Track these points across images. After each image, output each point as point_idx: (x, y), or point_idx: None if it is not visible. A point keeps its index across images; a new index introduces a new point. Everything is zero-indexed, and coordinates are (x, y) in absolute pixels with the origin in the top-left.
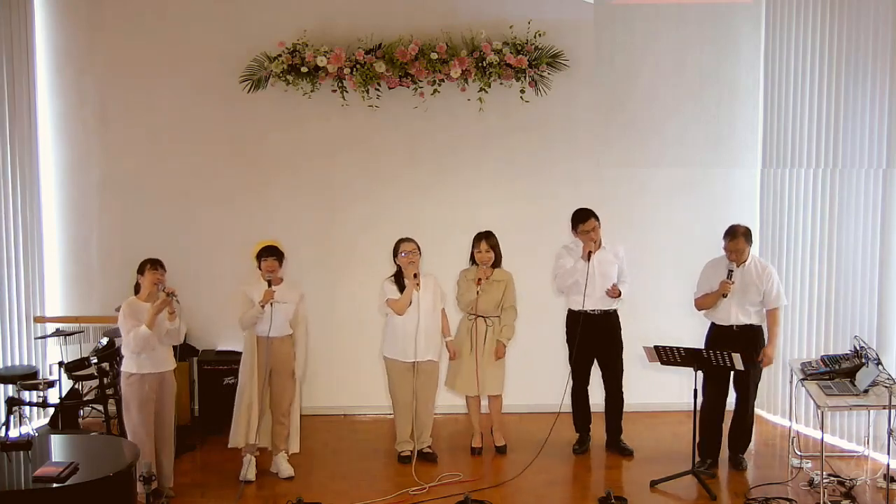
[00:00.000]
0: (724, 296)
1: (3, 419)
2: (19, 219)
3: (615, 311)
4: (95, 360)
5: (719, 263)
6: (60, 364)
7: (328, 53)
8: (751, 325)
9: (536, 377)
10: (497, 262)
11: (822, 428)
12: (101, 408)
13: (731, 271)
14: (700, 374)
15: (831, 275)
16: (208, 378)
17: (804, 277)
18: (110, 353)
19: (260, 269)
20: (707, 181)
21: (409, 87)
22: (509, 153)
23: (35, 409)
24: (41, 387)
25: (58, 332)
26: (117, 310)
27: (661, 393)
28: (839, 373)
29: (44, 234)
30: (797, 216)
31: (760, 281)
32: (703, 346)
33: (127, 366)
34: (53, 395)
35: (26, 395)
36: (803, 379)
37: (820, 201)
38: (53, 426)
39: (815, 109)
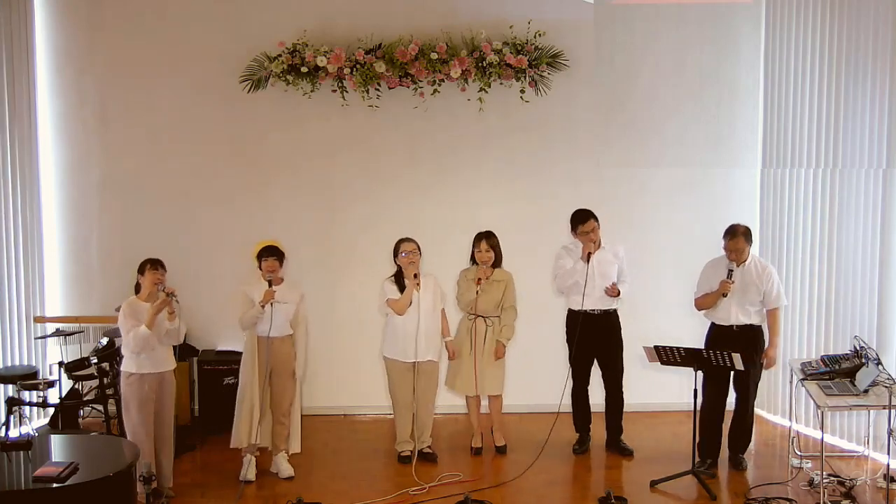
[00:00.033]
0: (724, 295)
1: (3, 419)
2: (19, 219)
3: (615, 310)
4: (95, 360)
5: (719, 263)
6: (60, 364)
7: (328, 53)
8: (751, 325)
9: (536, 377)
10: (497, 262)
11: (822, 428)
12: (101, 408)
13: (731, 271)
14: (700, 374)
15: (831, 275)
16: (208, 378)
17: (804, 277)
18: (110, 353)
19: (260, 269)
20: (707, 181)
21: (409, 87)
22: (509, 153)
23: (35, 409)
24: (41, 387)
25: (58, 332)
26: (117, 310)
27: (661, 393)
28: (839, 373)
29: (44, 234)
30: (797, 216)
31: (760, 281)
32: (703, 346)
33: (126, 366)
34: (53, 395)
35: (26, 395)
36: (803, 379)
37: (820, 201)
38: (53, 426)
39: (815, 109)
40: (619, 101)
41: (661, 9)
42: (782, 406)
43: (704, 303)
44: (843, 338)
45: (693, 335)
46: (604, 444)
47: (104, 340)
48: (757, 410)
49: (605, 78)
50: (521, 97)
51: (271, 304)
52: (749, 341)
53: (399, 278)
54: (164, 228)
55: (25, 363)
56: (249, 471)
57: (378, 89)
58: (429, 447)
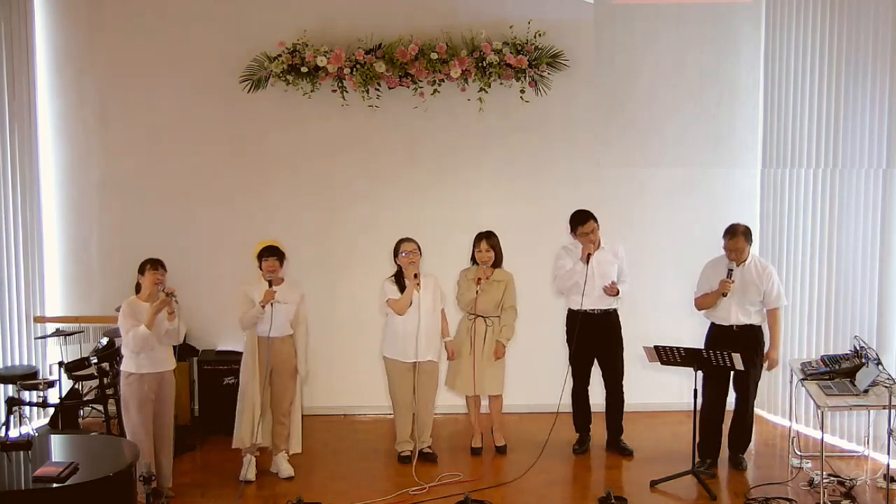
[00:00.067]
0: (724, 295)
1: (3, 419)
2: (19, 219)
3: (615, 310)
4: (95, 360)
5: (719, 263)
6: (60, 364)
7: (328, 53)
8: (751, 325)
9: (536, 377)
10: (497, 262)
11: (822, 428)
12: (101, 408)
13: (731, 270)
14: (700, 374)
15: (831, 275)
16: (208, 378)
17: (804, 277)
18: (110, 353)
19: (261, 269)
20: (707, 181)
21: (409, 87)
22: (509, 153)
23: (35, 409)
24: (41, 387)
25: (58, 332)
26: (117, 310)
27: (661, 393)
28: (839, 373)
29: (44, 234)
30: (797, 216)
31: (760, 280)
32: (703, 346)
33: (126, 365)
34: (53, 395)
35: (26, 395)
36: (803, 379)
37: (820, 201)
38: (53, 426)
39: (815, 109)
40: (619, 101)
41: (661, 9)
42: (782, 406)
43: (704, 302)
44: (843, 338)
45: (693, 335)
46: (604, 444)
47: (104, 340)
48: (757, 410)
49: (605, 78)
50: (521, 97)
51: (271, 304)
52: (749, 341)
53: (399, 278)
54: (164, 228)
55: (25, 363)
56: (249, 471)
57: (378, 89)
58: (429, 447)
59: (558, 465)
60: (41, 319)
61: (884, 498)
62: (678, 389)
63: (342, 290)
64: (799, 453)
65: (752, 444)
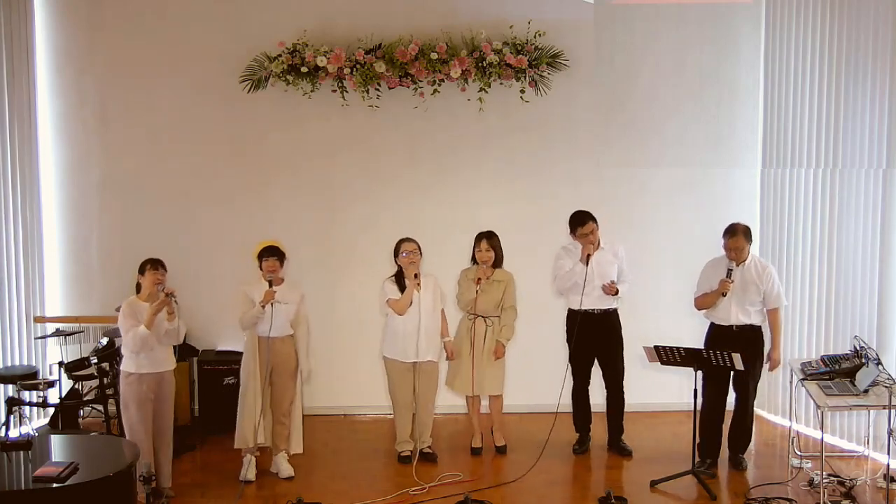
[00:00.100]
0: (724, 295)
1: (3, 419)
2: (19, 219)
3: (615, 310)
4: (95, 360)
5: (719, 263)
6: (60, 364)
7: (328, 53)
8: (751, 325)
9: (536, 377)
10: (498, 262)
11: (822, 428)
12: (101, 408)
13: (731, 270)
14: (700, 374)
15: (831, 275)
16: (208, 378)
17: (804, 277)
18: (110, 353)
19: (261, 269)
20: (707, 181)
21: (409, 87)
22: (509, 153)
23: (35, 409)
24: (41, 387)
25: (58, 332)
26: (117, 310)
27: (661, 393)
28: (839, 373)
29: (44, 234)
30: (797, 216)
31: (760, 280)
32: (702, 346)
33: (126, 365)
34: (53, 395)
35: (26, 395)
36: (803, 379)
37: (820, 201)
38: (53, 426)
39: (815, 109)
40: (619, 101)
41: (661, 9)
42: (782, 406)
43: (704, 302)
44: (843, 338)
45: (693, 335)
46: (604, 444)
47: (104, 340)
48: (757, 410)
49: (605, 78)
50: (521, 97)
51: (272, 304)
52: (749, 341)
53: (399, 278)
54: (164, 228)
55: (25, 363)
56: (249, 471)
57: (378, 89)
58: (429, 447)
59: (558, 465)
60: (41, 319)
61: (884, 498)
62: (678, 389)
63: (342, 290)
64: (799, 453)
65: (752, 444)
